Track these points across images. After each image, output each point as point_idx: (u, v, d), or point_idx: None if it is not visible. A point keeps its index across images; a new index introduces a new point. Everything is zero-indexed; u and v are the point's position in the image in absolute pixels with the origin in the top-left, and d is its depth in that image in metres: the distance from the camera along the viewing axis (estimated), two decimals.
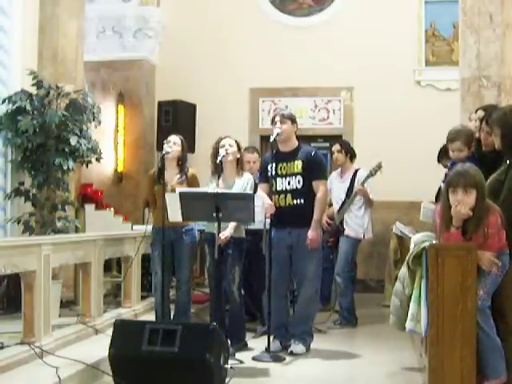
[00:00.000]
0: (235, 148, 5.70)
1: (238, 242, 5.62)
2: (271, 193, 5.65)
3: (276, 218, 5.56)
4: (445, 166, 5.71)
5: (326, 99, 9.90)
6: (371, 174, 7.02)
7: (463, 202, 3.87)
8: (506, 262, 3.97)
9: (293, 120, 5.77)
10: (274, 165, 5.72)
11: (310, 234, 5.57)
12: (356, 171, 7.20)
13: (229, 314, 5.73)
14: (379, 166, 7.02)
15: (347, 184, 7.18)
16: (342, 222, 7.13)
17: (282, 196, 5.68)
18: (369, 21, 9.62)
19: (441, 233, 4.03)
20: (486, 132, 4.70)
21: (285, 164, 5.73)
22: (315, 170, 5.69)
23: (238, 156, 5.75)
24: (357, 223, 7.13)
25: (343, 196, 7.16)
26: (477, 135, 4.97)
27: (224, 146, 5.65)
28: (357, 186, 7.05)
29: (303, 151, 5.75)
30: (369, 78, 9.50)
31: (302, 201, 5.65)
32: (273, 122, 5.78)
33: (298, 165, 5.69)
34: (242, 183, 5.68)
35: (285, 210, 5.63)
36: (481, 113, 5.14)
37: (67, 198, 6.86)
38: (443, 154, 5.96)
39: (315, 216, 5.60)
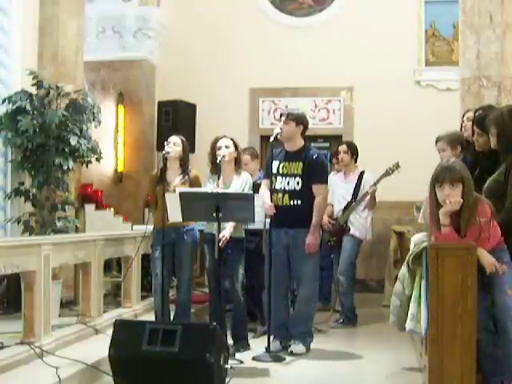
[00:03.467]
0: (232, 148, 5.70)
1: (237, 241, 5.61)
2: (271, 190, 5.65)
3: (274, 217, 5.56)
4: None
5: (326, 99, 9.90)
6: (387, 174, 7.05)
7: (451, 196, 3.87)
8: (509, 257, 3.96)
9: (298, 122, 5.73)
10: (277, 162, 5.73)
11: (309, 238, 5.56)
12: (362, 173, 7.23)
13: (232, 314, 5.73)
14: (396, 166, 7.04)
15: (352, 185, 7.21)
16: (346, 222, 7.15)
17: (280, 195, 5.68)
18: (369, 21, 9.63)
19: (431, 232, 4.02)
20: (477, 133, 4.71)
21: (287, 163, 5.73)
22: (316, 173, 5.67)
23: (236, 155, 5.75)
24: (361, 224, 7.17)
25: (348, 197, 7.18)
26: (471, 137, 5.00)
27: (221, 147, 5.65)
28: (367, 187, 7.09)
29: (306, 153, 5.73)
30: (369, 78, 9.50)
31: (299, 202, 5.64)
32: (280, 119, 5.78)
33: (299, 166, 5.68)
34: (240, 183, 5.68)
35: (282, 210, 5.61)
36: (470, 114, 5.18)
37: (67, 198, 6.86)
38: None
39: (314, 221, 5.58)
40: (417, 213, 5.66)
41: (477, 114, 4.87)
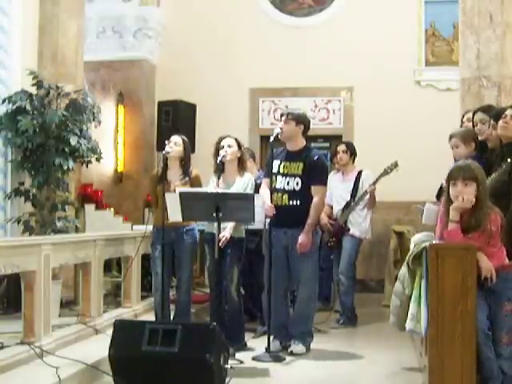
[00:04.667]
0: (235, 148, 5.70)
1: (237, 242, 5.62)
2: (271, 190, 5.65)
3: (274, 218, 5.56)
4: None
5: (326, 99, 9.90)
6: (386, 173, 7.05)
7: (463, 193, 3.88)
8: None
9: (298, 121, 5.71)
10: (278, 162, 5.73)
11: (301, 238, 5.55)
12: (360, 172, 7.23)
13: (227, 315, 5.73)
14: (395, 165, 7.03)
15: (351, 185, 7.21)
16: (345, 222, 7.15)
17: (280, 195, 5.67)
18: (369, 21, 9.63)
19: (443, 228, 4.00)
20: (493, 126, 4.64)
21: (288, 163, 5.72)
22: (315, 174, 5.66)
23: (239, 155, 5.74)
24: (361, 223, 7.16)
25: (347, 197, 7.18)
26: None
27: (223, 146, 5.65)
28: (366, 185, 7.09)
29: (307, 154, 5.72)
30: (369, 78, 9.50)
31: (298, 202, 5.63)
32: (280, 119, 5.79)
33: (299, 166, 5.67)
34: (242, 184, 5.68)
35: (281, 209, 5.60)
36: (470, 114, 5.15)
37: (67, 198, 6.86)
38: None
39: (309, 220, 5.57)
40: (419, 210, 5.64)
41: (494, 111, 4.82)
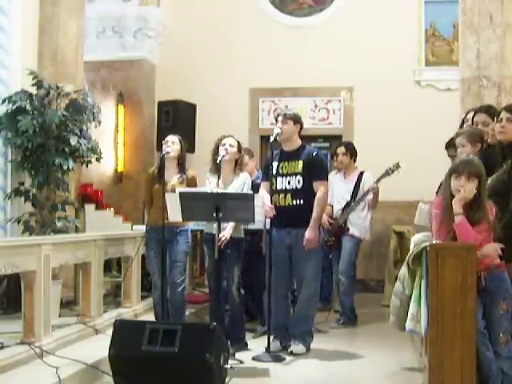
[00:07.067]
0: (235, 149, 5.71)
1: (237, 242, 5.62)
2: (271, 191, 5.65)
3: (275, 218, 5.56)
4: (450, 156, 5.64)
5: (326, 99, 9.90)
6: (387, 174, 7.04)
7: (465, 187, 3.89)
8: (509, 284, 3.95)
9: (295, 120, 5.76)
10: (275, 163, 5.73)
11: (308, 233, 5.56)
12: (361, 173, 7.23)
13: (228, 315, 5.73)
14: (397, 166, 7.03)
15: (352, 185, 7.21)
16: (345, 222, 7.15)
17: (282, 195, 5.68)
18: (369, 21, 9.63)
19: (442, 224, 4.00)
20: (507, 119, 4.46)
21: (286, 163, 5.74)
22: (316, 170, 5.69)
23: (238, 157, 5.75)
24: (361, 223, 7.16)
25: (347, 196, 7.18)
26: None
27: (224, 145, 5.66)
28: (366, 186, 7.09)
29: (305, 151, 5.75)
30: (369, 78, 9.50)
31: (302, 201, 5.65)
32: (276, 121, 5.80)
33: (298, 165, 5.69)
34: (240, 183, 5.68)
35: (284, 210, 5.62)
36: (470, 115, 5.13)
37: (67, 198, 6.86)
38: (452, 143, 5.90)
39: (314, 215, 5.59)
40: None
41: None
